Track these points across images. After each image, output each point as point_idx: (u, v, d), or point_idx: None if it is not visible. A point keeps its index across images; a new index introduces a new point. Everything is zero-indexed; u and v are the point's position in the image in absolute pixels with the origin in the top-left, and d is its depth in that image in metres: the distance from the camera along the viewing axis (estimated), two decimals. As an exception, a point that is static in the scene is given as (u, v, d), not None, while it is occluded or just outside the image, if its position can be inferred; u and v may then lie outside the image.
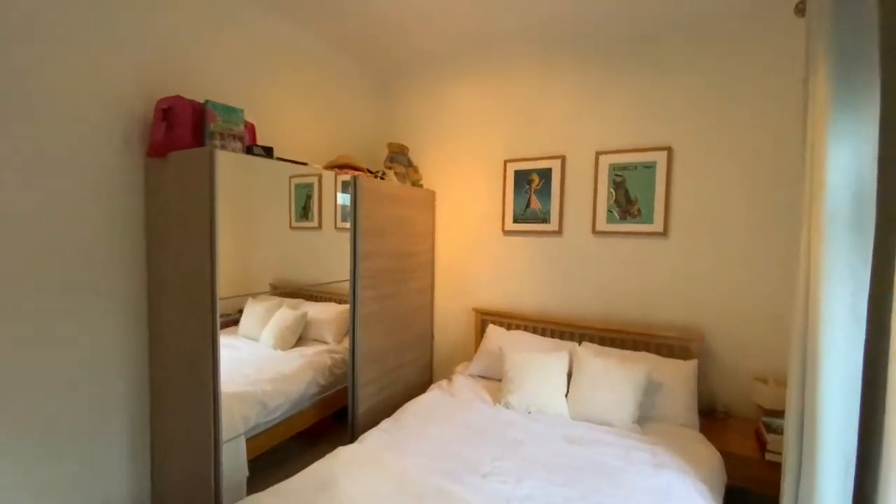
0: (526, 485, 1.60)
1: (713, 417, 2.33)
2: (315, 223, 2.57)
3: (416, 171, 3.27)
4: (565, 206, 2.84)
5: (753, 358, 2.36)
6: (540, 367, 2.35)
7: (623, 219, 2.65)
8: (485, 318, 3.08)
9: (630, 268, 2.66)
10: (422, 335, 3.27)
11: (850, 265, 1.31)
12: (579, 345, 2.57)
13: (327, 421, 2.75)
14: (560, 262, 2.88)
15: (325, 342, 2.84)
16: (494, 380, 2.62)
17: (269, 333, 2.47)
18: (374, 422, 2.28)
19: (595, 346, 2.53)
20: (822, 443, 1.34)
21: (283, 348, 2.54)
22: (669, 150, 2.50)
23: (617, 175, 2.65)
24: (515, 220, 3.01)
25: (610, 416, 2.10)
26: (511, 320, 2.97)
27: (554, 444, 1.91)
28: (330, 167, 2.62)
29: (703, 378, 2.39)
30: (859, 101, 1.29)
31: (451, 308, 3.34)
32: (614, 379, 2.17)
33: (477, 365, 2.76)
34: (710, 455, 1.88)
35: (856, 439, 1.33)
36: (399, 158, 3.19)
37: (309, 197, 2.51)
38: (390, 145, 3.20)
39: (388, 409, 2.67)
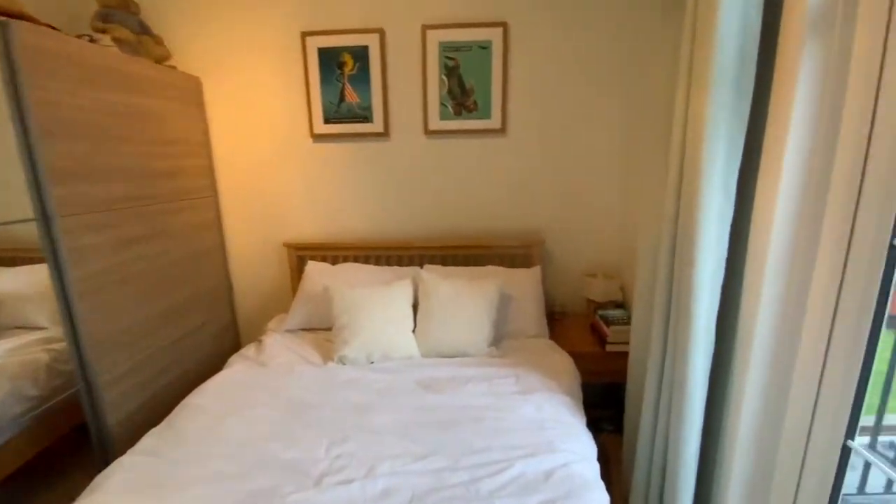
0: (380, 474, 1.14)
1: (552, 319, 2.31)
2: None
3: (157, 42, 2.09)
4: (390, 99, 2.23)
5: (584, 255, 2.38)
6: (379, 304, 1.86)
7: (458, 114, 2.21)
8: (301, 255, 2.37)
9: (469, 173, 2.30)
10: (213, 290, 2.36)
11: (730, 132, 1.14)
12: (422, 269, 2.16)
13: (69, 442, 1.75)
14: (390, 172, 2.32)
15: (35, 327, 1.74)
16: (322, 330, 2.03)
17: None
18: (146, 430, 1.46)
19: (439, 268, 2.16)
20: (696, 313, 1.24)
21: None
22: (505, 25, 2.09)
23: (449, 58, 2.14)
24: (327, 120, 2.26)
25: (465, 344, 1.79)
26: (336, 252, 2.34)
27: (408, 397, 1.50)
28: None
29: (542, 282, 2.32)
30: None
31: (252, 247, 2.48)
32: (466, 302, 1.85)
33: (296, 316, 2.10)
34: (565, 362, 1.77)
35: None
36: (122, 18, 1.96)
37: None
38: (100, -5, 1.92)
39: (171, 403, 1.82)
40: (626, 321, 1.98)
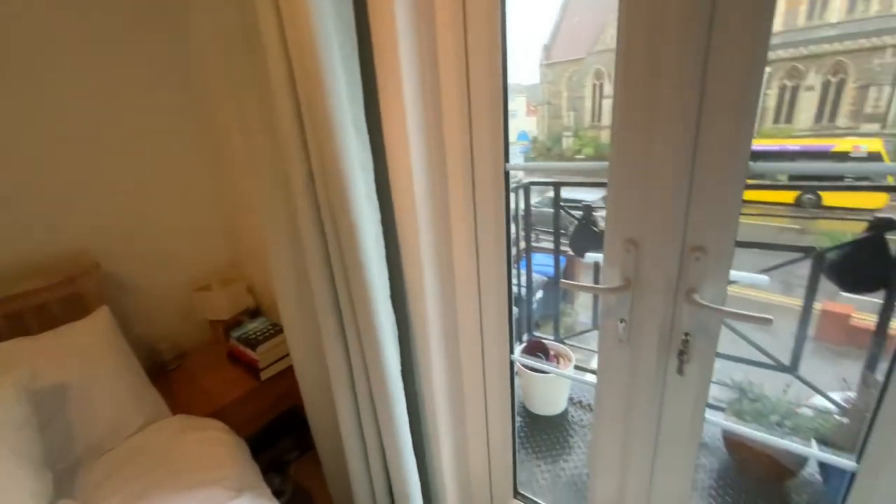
0: None
1: (163, 375, 1.51)
2: None
3: None
4: None
5: (182, 266, 1.65)
6: None
7: None
8: None
9: None
10: None
11: (343, 58, 0.82)
12: None
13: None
14: None
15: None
16: None
17: None
18: None
19: None
20: (374, 292, 0.96)
21: None
22: None
23: None
24: None
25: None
26: None
27: None
28: None
29: (123, 326, 1.43)
30: None
31: None
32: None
33: None
34: (211, 451, 1.11)
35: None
36: None
37: None
38: None
39: None
40: (275, 331, 1.52)
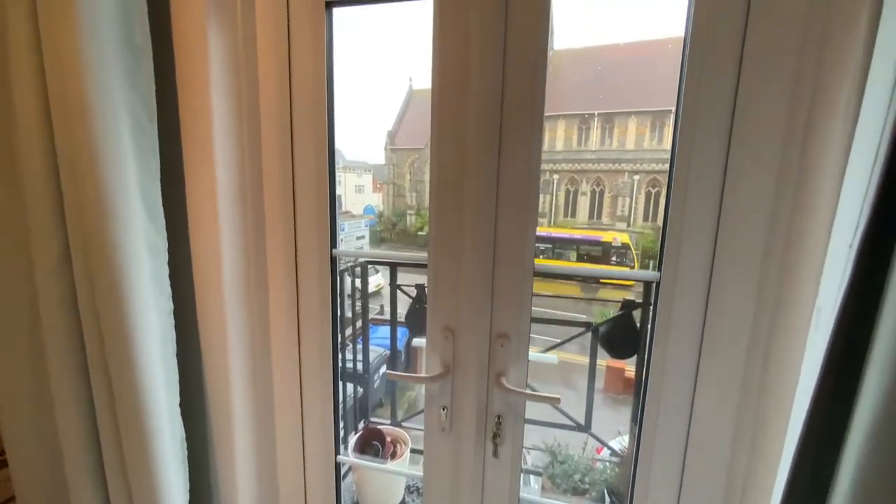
0: None
1: None
2: None
3: None
4: None
5: None
6: None
7: None
8: None
9: None
10: None
11: (130, 106, 0.71)
12: None
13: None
14: None
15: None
16: None
17: None
18: None
19: None
20: (153, 404, 0.75)
21: None
22: None
23: None
24: None
25: None
26: None
27: None
28: None
29: None
30: None
31: None
32: None
33: None
34: None
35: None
36: None
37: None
38: None
39: None
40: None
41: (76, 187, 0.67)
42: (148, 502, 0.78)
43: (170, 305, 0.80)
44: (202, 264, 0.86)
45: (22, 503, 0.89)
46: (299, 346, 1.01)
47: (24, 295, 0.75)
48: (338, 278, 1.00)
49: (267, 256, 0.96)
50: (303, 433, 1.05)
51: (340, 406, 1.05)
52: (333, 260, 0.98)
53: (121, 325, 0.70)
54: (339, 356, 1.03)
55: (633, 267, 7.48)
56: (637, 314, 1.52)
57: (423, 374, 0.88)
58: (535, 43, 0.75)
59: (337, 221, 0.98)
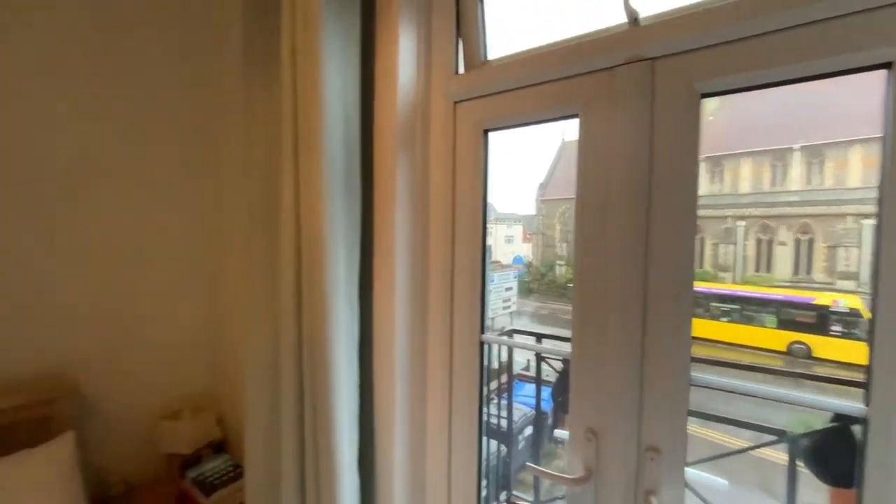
0: None
1: (108, 509, 1.39)
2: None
3: None
4: None
5: (158, 391, 1.63)
6: None
7: None
8: None
9: None
10: None
11: (346, 231, 0.97)
12: None
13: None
14: None
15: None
16: None
17: None
18: None
19: None
20: (339, 458, 0.95)
21: None
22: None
23: None
24: None
25: None
26: None
27: None
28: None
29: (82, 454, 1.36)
30: (344, 11, 0.94)
31: None
32: None
33: None
34: None
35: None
36: None
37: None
38: None
39: None
40: (233, 474, 1.44)
41: (310, 290, 0.95)
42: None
43: (356, 377, 1.01)
44: (381, 342, 1.07)
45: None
46: (450, 413, 1.12)
47: (271, 361, 1.06)
48: (484, 358, 1.10)
49: (428, 337, 1.13)
50: (449, 491, 1.14)
51: (485, 462, 1.11)
52: (481, 343, 1.09)
53: (325, 389, 0.94)
54: (484, 422, 1.11)
55: (865, 340, 5.61)
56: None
57: (564, 475, 0.88)
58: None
59: (486, 308, 1.10)
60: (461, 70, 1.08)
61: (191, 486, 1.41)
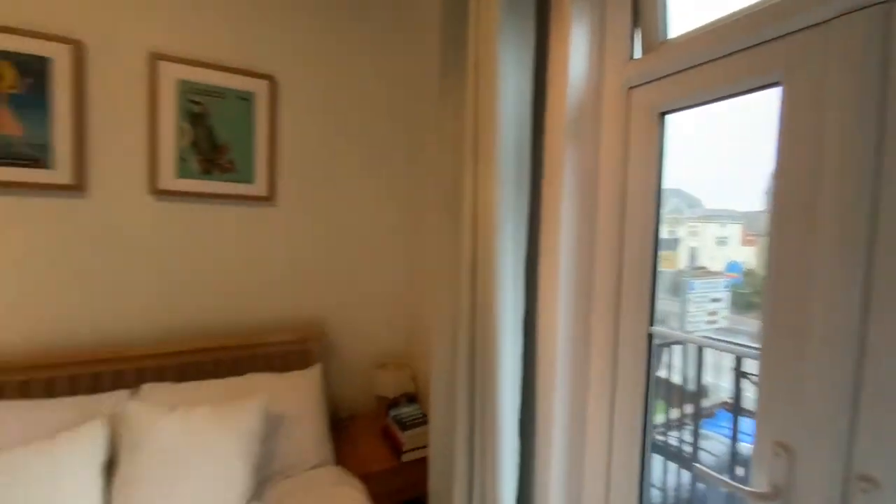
0: None
1: (339, 427, 1.88)
2: None
3: None
4: (91, 140, 1.51)
5: (373, 345, 2.10)
6: (21, 482, 1.03)
7: (207, 172, 1.69)
8: None
9: (221, 250, 1.75)
10: None
11: (516, 223, 1.09)
12: (133, 394, 1.40)
13: None
14: (88, 243, 1.53)
15: None
16: None
17: None
18: None
19: (168, 388, 1.45)
20: (502, 418, 1.08)
21: None
22: (272, 80, 1.78)
23: (194, 102, 1.65)
24: (-54, 157, 1.34)
25: (203, 515, 1.15)
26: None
27: None
28: None
29: (326, 383, 1.89)
30: (519, 18, 1.06)
31: None
32: (209, 445, 1.22)
33: None
34: (358, 500, 1.35)
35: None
36: None
37: None
38: None
39: None
40: (421, 419, 1.75)
41: (483, 266, 1.11)
42: (492, 486, 1.10)
43: (519, 349, 1.12)
44: (545, 323, 1.15)
45: (433, 449, 1.45)
46: (612, 409, 1.12)
47: (452, 328, 1.27)
48: (652, 355, 1.06)
49: (591, 321, 1.15)
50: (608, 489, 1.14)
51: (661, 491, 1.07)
52: (649, 336, 1.05)
53: (492, 351, 1.08)
54: (649, 431, 1.07)
55: None
56: None
57: (744, 486, 0.79)
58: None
59: (656, 300, 1.05)
60: (636, 55, 1.06)
61: (392, 423, 1.78)
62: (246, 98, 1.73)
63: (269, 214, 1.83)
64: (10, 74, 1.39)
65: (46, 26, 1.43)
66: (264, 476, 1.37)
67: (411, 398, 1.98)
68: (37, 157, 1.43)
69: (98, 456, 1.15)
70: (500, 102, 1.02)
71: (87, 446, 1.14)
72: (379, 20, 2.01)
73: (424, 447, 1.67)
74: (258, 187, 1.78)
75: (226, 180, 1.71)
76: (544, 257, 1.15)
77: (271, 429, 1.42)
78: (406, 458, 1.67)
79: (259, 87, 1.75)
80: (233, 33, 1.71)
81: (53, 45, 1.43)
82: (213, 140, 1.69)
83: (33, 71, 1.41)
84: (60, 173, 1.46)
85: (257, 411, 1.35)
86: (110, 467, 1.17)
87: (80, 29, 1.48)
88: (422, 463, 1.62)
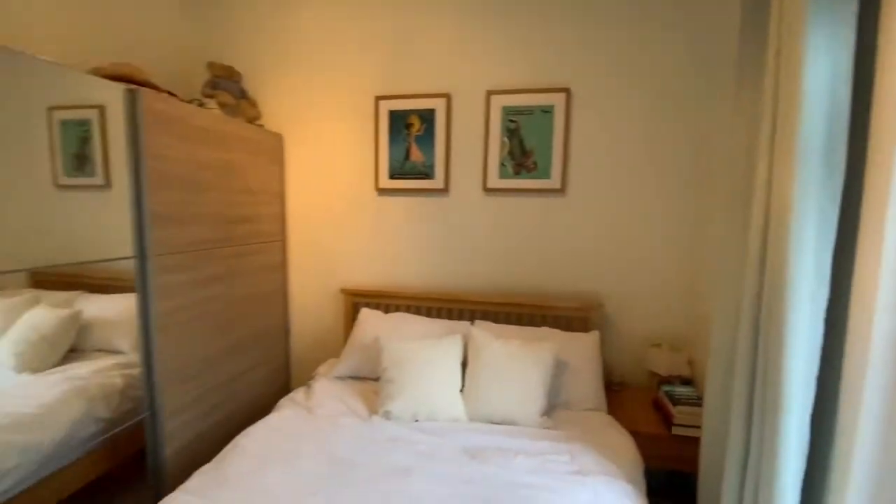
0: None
1: (610, 390, 2.14)
2: (100, 179, 1.61)
3: (252, 104, 2.37)
4: (452, 158, 2.32)
5: (647, 323, 2.22)
6: (427, 359, 1.83)
7: (517, 173, 2.25)
8: (357, 301, 2.43)
9: (527, 231, 2.29)
10: (272, 329, 2.47)
11: (820, 209, 1.04)
12: (472, 324, 2.12)
13: (126, 469, 1.83)
14: (448, 226, 2.37)
15: (117, 352, 1.87)
16: (370, 380, 2.02)
17: (7, 348, 1.47)
18: (194, 464, 1.53)
19: (492, 325, 2.11)
20: (787, 408, 1.08)
21: (37, 369, 1.57)
22: (568, 91, 2.15)
23: (511, 121, 2.22)
24: (392, 176, 2.39)
25: (515, 412, 1.69)
26: (390, 301, 2.38)
27: (452, 465, 1.42)
28: (97, 74, 1.60)
29: (601, 349, 2.18)
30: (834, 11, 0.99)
31: (311, 290, 2.59)
32: (520, 365, 1.77)
33: (347, 363, 2.12)
34: (626, 444, 1.61)
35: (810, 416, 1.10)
36: (226, 85, 2.25)
37: (85, 140, 1.55)
38: (212, 66, 2.24)
39: (220, 439, 1.88)
40: (695, 401, 1.78)
41: (775, 250, 1.12)
42: (769, 484, 1.12)
43: (818, 343, 1.07)
44: (856, 321, 1.04)
45: (705, 431, 1.51)
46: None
47: (734, 316, 1.31)
48: None
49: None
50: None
51: None
52: None
53: (778, 342, 1.09)
54: None
55: None
56: None
57: None
58: None
59: None
60: None
61: (663, 396, 1.90)
62: (547, 110, 2.17)
63: (560, 203, 2.24)
64: (417, 122, 2.32)
65: (433, 89, 2.28)
66: (553, 403, 1.81)
67: (686, 381, 2.01)
68: (427, 173, 2.33)
69: (458, 356, 1.88)
70: (804, 94, 0.99)
71: (455, 348, 1.88)
72: (659, 19, 2.04)
73: (695, 427, 1.72)
74: (553, 181, 2.21)
75: (530, 178, 2.23)
76: (863, 247, 1.03)
77: (557, 370, 1.85)
78: (676, 431, 1.77)
79: (558, 100, 2.15)
80: (538, 59, 2.17)
81: (436, 100, 2.27)
82: (523, 147, 2.22)
83: (427, 118, 2.30)
84: (437, 181, 2.33)
85: (551, 352, 1.80)
86: (464, 365, 1.88)
87: (448, 86, 2.27)
88: (691, 441, 1.69)
